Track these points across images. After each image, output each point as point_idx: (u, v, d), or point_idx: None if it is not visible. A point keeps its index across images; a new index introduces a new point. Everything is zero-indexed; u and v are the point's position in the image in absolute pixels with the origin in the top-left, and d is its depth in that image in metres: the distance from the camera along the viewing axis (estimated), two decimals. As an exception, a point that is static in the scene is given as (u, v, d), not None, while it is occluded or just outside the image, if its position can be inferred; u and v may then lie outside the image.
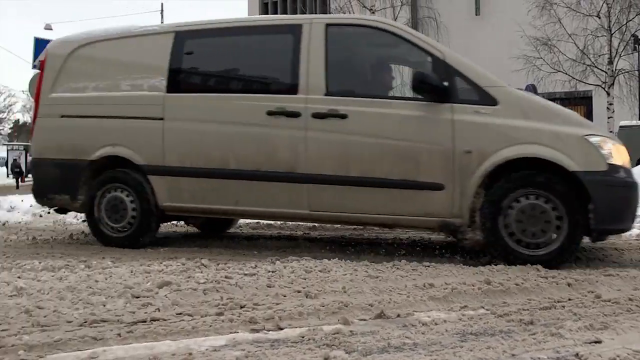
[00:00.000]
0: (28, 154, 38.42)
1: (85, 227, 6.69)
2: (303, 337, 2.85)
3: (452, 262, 5.00)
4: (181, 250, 5.70)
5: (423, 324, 3.13)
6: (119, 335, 2.82)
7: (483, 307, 3.51)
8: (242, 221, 8.34)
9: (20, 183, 27.56)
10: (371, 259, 5.11)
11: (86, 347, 2.67)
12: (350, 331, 2.95)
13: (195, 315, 3.21)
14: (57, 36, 7.99)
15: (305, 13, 31.05)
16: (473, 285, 3.97)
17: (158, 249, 5.85)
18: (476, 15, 27.99)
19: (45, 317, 3.08)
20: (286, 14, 34.18)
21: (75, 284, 3.89)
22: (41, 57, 7.55)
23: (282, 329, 3.02)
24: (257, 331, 2.97)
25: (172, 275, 4.23)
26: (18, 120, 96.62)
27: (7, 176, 34.13)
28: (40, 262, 4.77)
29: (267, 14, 35.31)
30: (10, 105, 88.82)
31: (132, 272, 4.36)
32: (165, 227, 7.46)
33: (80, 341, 2.72)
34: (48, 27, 31.04)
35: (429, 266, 4.69)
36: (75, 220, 9.03)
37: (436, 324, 3.14)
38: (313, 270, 4.44)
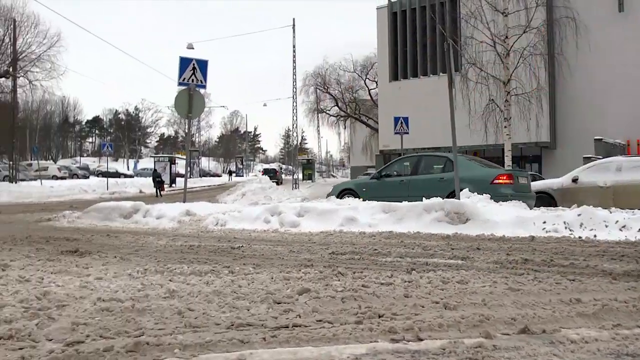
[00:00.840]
0: (172, 165, 41.00)
1: (223, 233, 7.02)
2: (444, 350, 2.79)
3: (598, 275, 4.70)
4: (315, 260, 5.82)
5: (572, 342, 2.96)
6: (264, 339, 2.93)
7: (639, 327, 3.26)
8: (374, 230, 8.39)
9: (161, 192, 29.46)
10: (510, 271, 4.93)
11: (234, 349, 2.79)
12: (494, 346, 2.85)
13: (335, 322, 3.26)
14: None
15: (435, 21, 30.62)
16: (626, 303, 3.70)
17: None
18: (619, 11, 26.21)
19: (195, 318, 3.27)
20: (415, 23, 33.96)
21: (221, 288, 4.09)
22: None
23: (422, 340, 2.98)
24: (397, 341, 2.96)
25: (311, 282, 4.33)
26: (163, 134, 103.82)
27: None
28: (188, 267, 5.08)
29: (396, 24, 35.30)
30: (157, 120, 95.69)
31: (272, 278, 4.52)
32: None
33: (228, 343, 2.85)
34: (190, 47, 33.06)
35: (573, 280, 4.45)
36: (216, 227, 9.51)
37: (586, 342, 2.96)
38: (450, 281, 4.36)
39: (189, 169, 15.22)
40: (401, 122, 19.94)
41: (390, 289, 4.11)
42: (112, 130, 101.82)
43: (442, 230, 8.38)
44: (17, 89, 33.35)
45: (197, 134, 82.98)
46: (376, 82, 44.53)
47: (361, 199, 12.14)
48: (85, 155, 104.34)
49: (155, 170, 34.19)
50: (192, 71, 13.32)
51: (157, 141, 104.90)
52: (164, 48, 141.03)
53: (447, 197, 10.61)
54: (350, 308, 3.58)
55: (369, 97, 50.66)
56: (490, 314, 3.39)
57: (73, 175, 53.87)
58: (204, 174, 72.29)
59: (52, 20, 74.60)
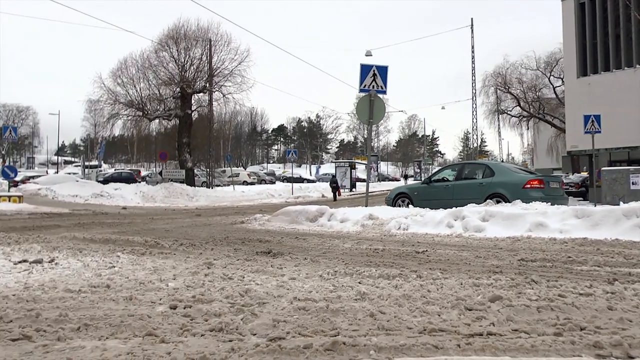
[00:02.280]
0: (352, 170, 41.96)
1: (406, 237, 7.02)
2: (661, 370, 2.54)
3: None
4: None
5: None
6: (458, 346, 2.88)
7: None
8: (565, 236, 7.89)
9: (337, 197, 30.68)
10: None
11: (428, 354, 2.78)
12: None
13: (532, 333, 3.11)
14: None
15: (630, 8, 28.17)
16: None
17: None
18: None
19: (388, 321, 3.31)
20: (606, 13, 31.51)
21: (410, 293, 4.10)
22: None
23: (632, 358, 2.74)
24: (604, 357, 2.75)
25: (502, 290, 4.18)
26: (343, 139, 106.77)
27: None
28: (376, 270, 5.16)
29: (584, 15, 32.95)
30: (337, 127, 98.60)
31: (461, 284, 4.43)
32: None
33: (422, 348, 2.85)
34: (368, 54, 33.68)
35: None
36: (399, 231, 9.55)
37: None
38: (663, 295, 3.96)
39: (370, 173, 15.47)
40: (592, 121, 18.55)
41: (591, 300, 3.83)
42: (295, 138, 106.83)
43: (647, 238, 7.64)
44: (213, 103, 36.30)
45: (376, 139, 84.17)
46: (562, 79, 41.82)
47: (413, 202, 14.24)
48: (271, 161, 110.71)
49: (333, 175, 35.58)
50: (373, 77, 13.55)
51: (337, 147, 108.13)
52: (344, 56, 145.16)
53: (486, 199, 12.49)
54: (547, 318, 3.39)
55: (553, 96, 47.70)
56: None
57: (261, 181, 57.48)
58: (382, 178, 73.11)
59: (242, 37, 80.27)
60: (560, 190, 13.90)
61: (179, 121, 34.65)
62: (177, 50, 34.74)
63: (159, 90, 35.21)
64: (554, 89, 47.50)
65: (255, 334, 3.10)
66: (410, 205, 14.02)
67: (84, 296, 4.01)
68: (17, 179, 33.86)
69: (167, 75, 34.72)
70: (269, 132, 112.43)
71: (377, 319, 3.36)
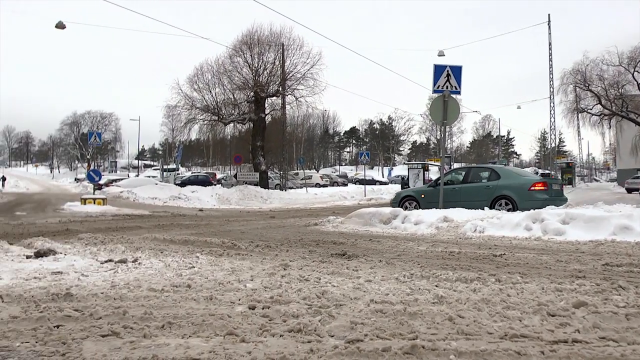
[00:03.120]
0: (425, 172, 41.49)
1: (482, 239, 6.88)
2: None
3: None
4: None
5: None
6: (542, 353, 2.79)
7: None
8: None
9: None
10: None
11: (510, 360, 2.71)
12: None
13: (621, 341, 2.98)
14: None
15: None
16: None
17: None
18: None
19: (467, 326, 3.25)
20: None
21: (489, 297, 4.01)
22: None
23: None
24: (701, 368, 2.60)
25: (587, 295, 4.03)
26: (415, 141, 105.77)
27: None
28: (453, 273, 5.08)
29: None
30: (410, 128, 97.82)
31: (542, 289, 4.30)
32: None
33: (504, 354, 2.78)
34: (441, 54, 33.20)
35: None
36: (474, 233, 9.37)
37: None
38: None
39: (443, 175, 15.25)
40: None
41: (687, 309, 3.63)
42: (367, 140, 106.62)
43: None
44: (286, 106, 36.78)
45: (449, 140, 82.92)
46: (648, 75, 39.85)
47: (420, 205, 14.63)
48: (343, 164, 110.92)
49: (402, 178, 35.67)
50: (446, 78, 13.36)
51: (409, 148, 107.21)
52: (416, 57, 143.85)
53: (492, 202, 13.53)
54: (637, 327, 3.24)
55: (638, 92, 45.50)
56: None
57: (333, 183, 57.64)
58: (455, 180, 71.80)
59: (314, 41, 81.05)
60: (561, 192, 14.88)
61: (253, 125, 35.29)
62: (251, 56, 35.42)
63: (233, 95, 36.02)
64: (638, 85, 45.30)
65: (333, 336, 3.11)
66: (416, 208, 14.48)
67: (167, 295, 4.15)
68: (101, 182, 35.45)
69: (241, 80, 35.45)
70: (341, 134, 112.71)
71: (456, 323, 3.31)
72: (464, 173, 15.41)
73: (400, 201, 15.57)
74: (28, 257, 6.44)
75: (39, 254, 6.48)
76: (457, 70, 13.41)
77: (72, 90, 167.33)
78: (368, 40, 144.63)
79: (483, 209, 13.05)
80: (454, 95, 13.52)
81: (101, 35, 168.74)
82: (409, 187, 33.29)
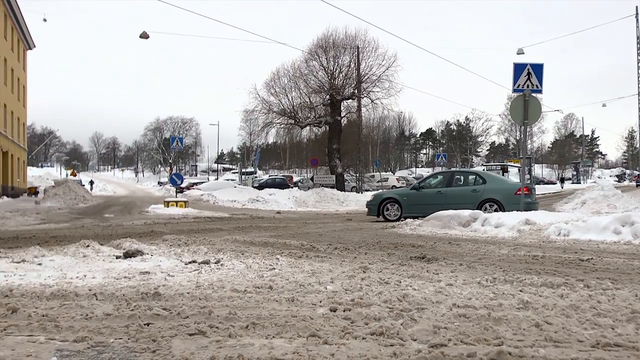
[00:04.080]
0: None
1: (567, 243, 6.61)
2: None
3: None
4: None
5: None
6: (639, 362, 2.67)
7: None
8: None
9: None
10: None
11: (610, 370, 2.61)
12: None
13: None
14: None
15: None
16: None
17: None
18: None
19: (555, 332, 3.14)
20: None
21: (577, 303, 3.87)
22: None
23: None
24: None
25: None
26: (494, 142, 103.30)
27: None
28: (538, 278, 4.93)
29: None
30: (487, 129, 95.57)
31: (636, 295, 4.11)
32: None
33: (597, 363, 2.67)
34: (520, 52, 32.26)
35: None
36: (559, 237, 9.05)
37: None
38: None
39: (524, 176, 14.86)
40: None
41: None
42: (444, 141, 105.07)
43: None
44: (361, 109, 36.77)
45: (529, 141, 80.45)
46: None
47: (402, 207, 15.42)
48: (419, 166, 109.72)
49: None
50: (527, 76, 12.99)
51: (487, 150, 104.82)
52: (494, 56, 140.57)
53: (479, 205, 14.12)
54: None
55: None
56: None
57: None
58: (537, 181, 69.63)
59: (389, 42, 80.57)
60: (535, 197, 15.86)
61: (329, 128, 35.49)
62: (327, 59, 35.64)
63: (309, 98, 36.35)
64: None
65: (415, 340, 3.08)
66: (398, 211, 15.45)
67: (250, 296, 4.23)
68: (183, 185, 36.60)
69: (317, 84, 35.73)
70: (417, 136, 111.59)
71: (543, 330, 3.21)
72: (447, 177, 16.10)
73: (380, 203, 15.83)
74: (117, 257, 6.73)
75: (128, 255, 6.76)
76: (538, 69, 13.01)
77: (155, 97, 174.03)
78: (443, 39, 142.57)
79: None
80: (535, 94, 13.12)
81: (182, 44, 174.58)
82: None
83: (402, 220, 14.24)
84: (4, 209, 22.43)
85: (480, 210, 13.89)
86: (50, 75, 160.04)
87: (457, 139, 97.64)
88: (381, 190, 19.48)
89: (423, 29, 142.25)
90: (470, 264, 6.09)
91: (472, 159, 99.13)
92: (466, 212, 11.74)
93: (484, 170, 17.40)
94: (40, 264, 6.10)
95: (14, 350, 2.91)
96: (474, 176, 15.93)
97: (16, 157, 42.52)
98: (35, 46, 48.81)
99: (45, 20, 37.93)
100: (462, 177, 16.13)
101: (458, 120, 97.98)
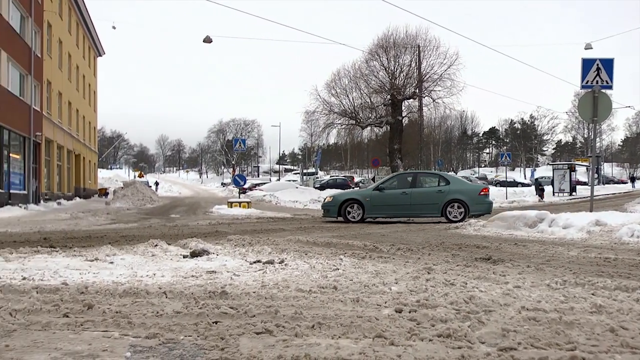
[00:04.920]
0: (572, 172, 39.26)
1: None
2: None
3: None
4: None
5: None
6: None
7: None
8: None
9: (542, 199, 31.52)
10: None
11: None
12: None
13: None
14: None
15: None
16: None
17: None
18: None
19: (632, 338, 3.02)
20: None
21: (659, 308, 3.71)
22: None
23: None
24: None
25: None
26: (560, 140, 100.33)
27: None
28: (611, 281, 4.76)
29: None
30: (554, 127, 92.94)
31: None
32: None
33: (677, 370, 2.56)
34: (588, 47, 31.16)
35: None
36: (632, 239, 8.71)
37: None
38: None
39: (595, 176, 14.38)
40: None
41: None
42: (507, 140, 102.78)
43: None
44: (423, 108, 36.39)
45: (598, 139, 77.75)
46: None
47: (365, 208, 15.42)
48: (482, 165, 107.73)
49: (536, 179, 35.68)
50: (596, 72, 12.58)
51: (553, 148, 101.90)
52: (560, 52, 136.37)
53: (444, 206, 15.16)
54: None
55: None
56: None
57: (472, 186, 56.10)
58: (606, 181, 67.19)
59: (450, 40, 79.41)
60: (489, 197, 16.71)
61: (390, 128, 35.31)
62: (387, 59, 35.49)
63: (370, 99, 36.27)
64: None
65: (484, 342, 3.03)
66: (360, 212, 15.39)
67: (315, 296, 4.26)
68: (246, 186, 37.18)
69: (377, 84, 35.64)
70: (480, 135, 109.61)
71: (619, 335, 3.09)
72: (410, 178, 16.27)
73: (340, 205, 15.56)
74: (184, 256, 6.90)
75: (194, 254, 6.92)
76: (608, 64, 12.57)
77: (218, 100, 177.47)
78: (506, 36, 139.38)
79: (436, 212, 15.23)
80: (604, 91, 12.66)
81: (243, 47, 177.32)
82: (542, 189, 33.02)
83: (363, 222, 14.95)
84: (77, 209, 23.38)
85: (446, 211, 15.17)
86: (118, 80, 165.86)
87: (522, 138, 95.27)
88: (340, 191, 19.16)
89: (486, 26, 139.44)
90: (538, 265, 5.93)
91: (537, 158, 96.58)
92: (532, 213, 11.44)
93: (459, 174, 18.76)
94: (112, 263, 6.32)
95: (90, 345, 3.03)
96: (437, 177, 16.49)
97: (88, 160, 44.22)
98: (104, 53, 50.64)
99: (114, 27, 39.16)
100: (425, 179, 16.52)
101: (522, 119, 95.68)
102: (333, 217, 15.89)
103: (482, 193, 15.77)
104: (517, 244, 8.50)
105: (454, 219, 15.16)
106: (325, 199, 16.89)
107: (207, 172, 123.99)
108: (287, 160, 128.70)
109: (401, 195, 15.52)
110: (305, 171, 63.31)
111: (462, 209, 15.14)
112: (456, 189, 15.49)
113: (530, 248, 7.91)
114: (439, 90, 35.26)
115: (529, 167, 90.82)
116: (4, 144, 23.63)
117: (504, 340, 3.04)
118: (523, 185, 58.34)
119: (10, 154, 24.51)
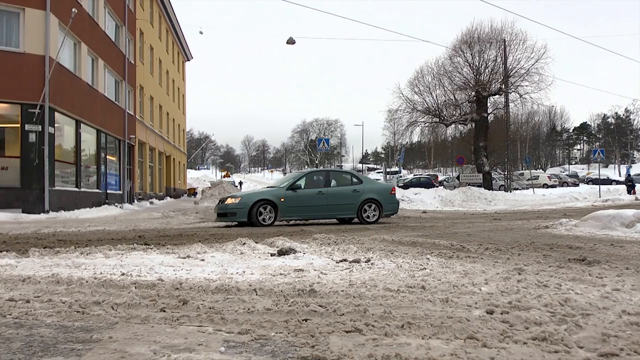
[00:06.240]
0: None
1: None
2: None
3: None
4: None
5: None
6: None
7: None
8: None
9: (632, 195, 30.93)
10: None
11: None
12: None
13: None
14: None
15: None
16: None
17: None
18: None
19: None
20: None
21: None
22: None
23: None
24: None
25: None
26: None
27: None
28: None
29: None
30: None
31: None
32: None
33: None
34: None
35: None
36: None
37: None
38: None
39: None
40: None
41: None
42: (600, 136, 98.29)
43: None
44: (509, 104, 35.41)
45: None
46: None
47: (278, 209, 14.27)
48: (573, 162, 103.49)
49: (628, 175, 34.99)
50: (700, 62, 11.77)
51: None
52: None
53: (360, 205, 14.99)
54: None
55: None
56: None
57: (562, 183, 54.18)
58: None
59: (538, 33, 76.53)
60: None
61: (475, 125, 34.60)
62: (471, 54, 34.83)
63: (454, 96, 35.70)
64: None
65: (582, 347, 2.91)
66: (273, 215, 14.16)
67: (403, 296, 4.23)
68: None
69: (462, 80, 35.03)
70: (570, 131, 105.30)
71: None
72: (324, 176, 15.60)
73: (252, 206, 14.06)
74: (272, 254, 7.04)
75: (281, 252, 7.04)
76: None
77: (301, 100, 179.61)
78: (600, 25, 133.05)
79: (352, 213, 14.95)
80: None
81: (326, 47, 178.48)
82: (633, 186, 31.81)
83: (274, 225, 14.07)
84: (168, 208, 24.33)
85: (361, 210, 14.93)
86: (205, 82, 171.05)
87: (616, 133, 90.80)
88: (245, 191, 16.91)
89: (575, 16, 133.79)
90: (638, 268, 5.64)
91: (633, 154, 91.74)
92: (630, 212, 10.88)
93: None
94: (203, 260, 6.53)
95: (186, 339, 3.14)
96: (349, 176, 16.12)
97: (177, 161, 45.91)
98: (192, 57, 52.41)
99: (201, 33, 40.56)
100: (338, 177, 15.98)
101: (616, 113, 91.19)
102: (237, 222, 14.39)
103: (392, 192, 15.79)
104: (613, 245, 8.11)
105: (367, 219, 14.87)
106: (226, 200, 14.69)
107: (291, 172, 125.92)
108: (370, 159, 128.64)
109: (317, 195, 14.75)
110: (388, 170, 62.99)
111: (377, 209, 15.04)
112: (370, 188, 15.38)
113: (628, 249, 7.53)
114: (526, 86, 34.25)
115: (624, 163, 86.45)
116: (101, 147, 24.97)
117: (604, 345, 2.91)
118: (617, 182, 55.57)
119: (107, 156, 25.86)
